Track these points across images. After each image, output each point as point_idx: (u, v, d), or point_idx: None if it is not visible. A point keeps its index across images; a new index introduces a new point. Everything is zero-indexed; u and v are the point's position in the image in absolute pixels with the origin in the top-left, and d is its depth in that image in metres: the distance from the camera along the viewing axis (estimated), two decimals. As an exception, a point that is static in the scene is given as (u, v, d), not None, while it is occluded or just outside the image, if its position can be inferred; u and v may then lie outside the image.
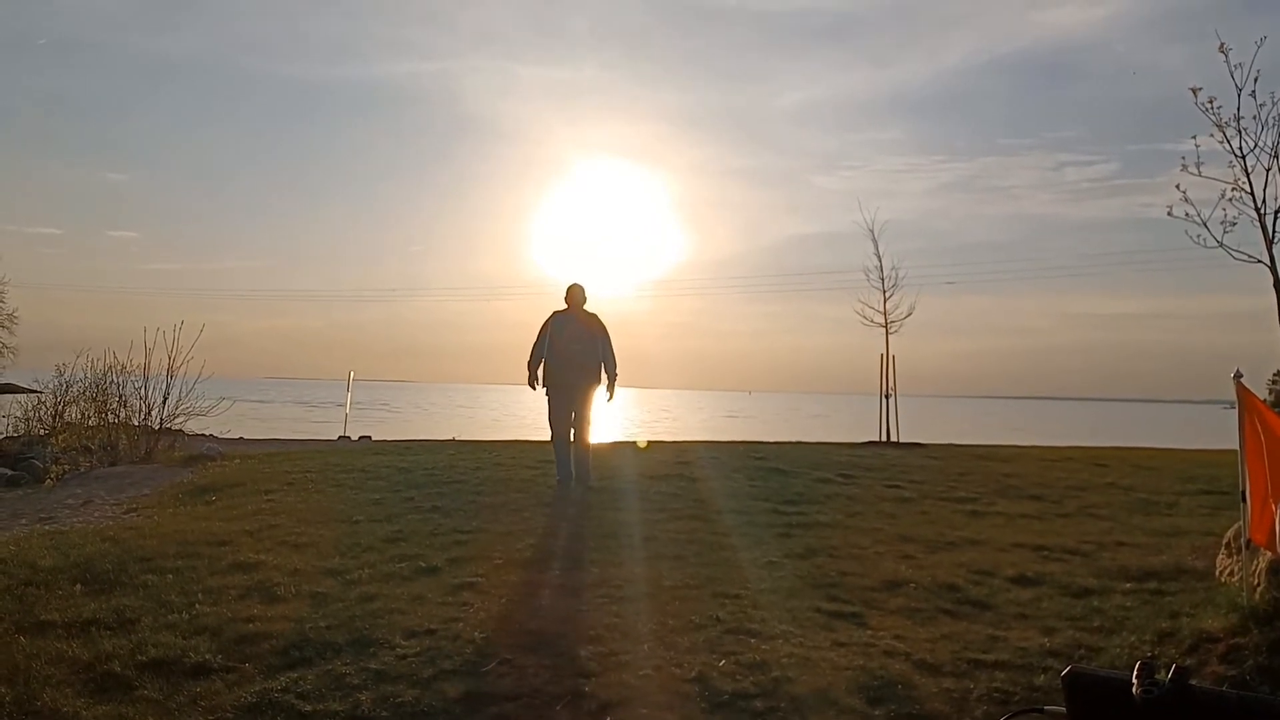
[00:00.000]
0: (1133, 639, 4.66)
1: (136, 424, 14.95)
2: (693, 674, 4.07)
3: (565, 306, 9.67)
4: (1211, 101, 6.64)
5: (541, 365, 9.50)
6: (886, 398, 18.37)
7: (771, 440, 16.93)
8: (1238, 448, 4.95)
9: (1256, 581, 4.98)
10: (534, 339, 9.63)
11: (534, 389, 9.56)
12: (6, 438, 17.23)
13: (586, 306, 9.73)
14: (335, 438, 20.17)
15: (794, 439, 18.26)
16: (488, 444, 14.18)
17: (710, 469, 10.86)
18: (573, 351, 9.43)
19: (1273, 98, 6.62)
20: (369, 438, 20.14)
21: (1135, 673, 3.14)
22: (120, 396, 15.20)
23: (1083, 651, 4.48)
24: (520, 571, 5.76)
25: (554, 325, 9.58)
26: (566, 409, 9.41)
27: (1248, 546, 5.04)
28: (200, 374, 14.85)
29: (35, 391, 19.37)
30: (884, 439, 17.45)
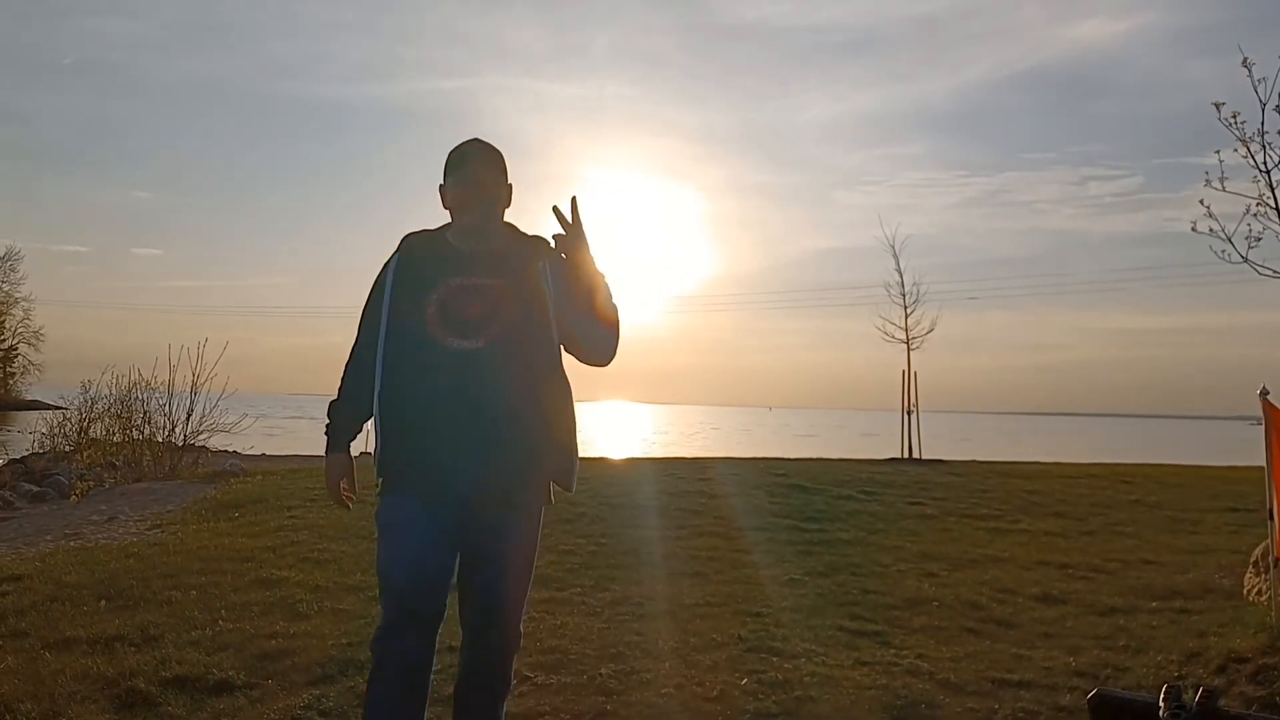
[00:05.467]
0: (1159, 658, 4.61)
1: (161, 440, 15.09)
2: (715, 692, 4.06)
3: (450, 221, 2.93)
4: (1235, 116, 6.58)
5: (375, 417, 2.89)
6: (908, 414, 18.30)
7: (792, 457, 16.88)
8: (1264, 465, 4.90)
9: (1285, 601, 4.92)
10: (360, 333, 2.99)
11: (338, 495, 3.09)
12: (33, 454, 17.43)
13: (508, 214, 2.96)
14: (357, 454, 20.25)
15: (815, 455, 18.21)
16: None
17: (730, 485, 10.83)
18: (470, 369, 2.75)
19: (1297, 113, 6.55)
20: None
21: (1162, 695, 3.12)
22: (145, 413, 15.36)
23: (1109, 671, 4.43)
24: (540, 589, 5.75)
25: (405, 285, 2.86)
26: (443, 557, 2.80)
27: (1276, 565, 4.99)
28: (224, 390, 14.97)
29: (61, 408, 19.60)
30: (906, 455, 17.38)
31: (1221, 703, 3.02)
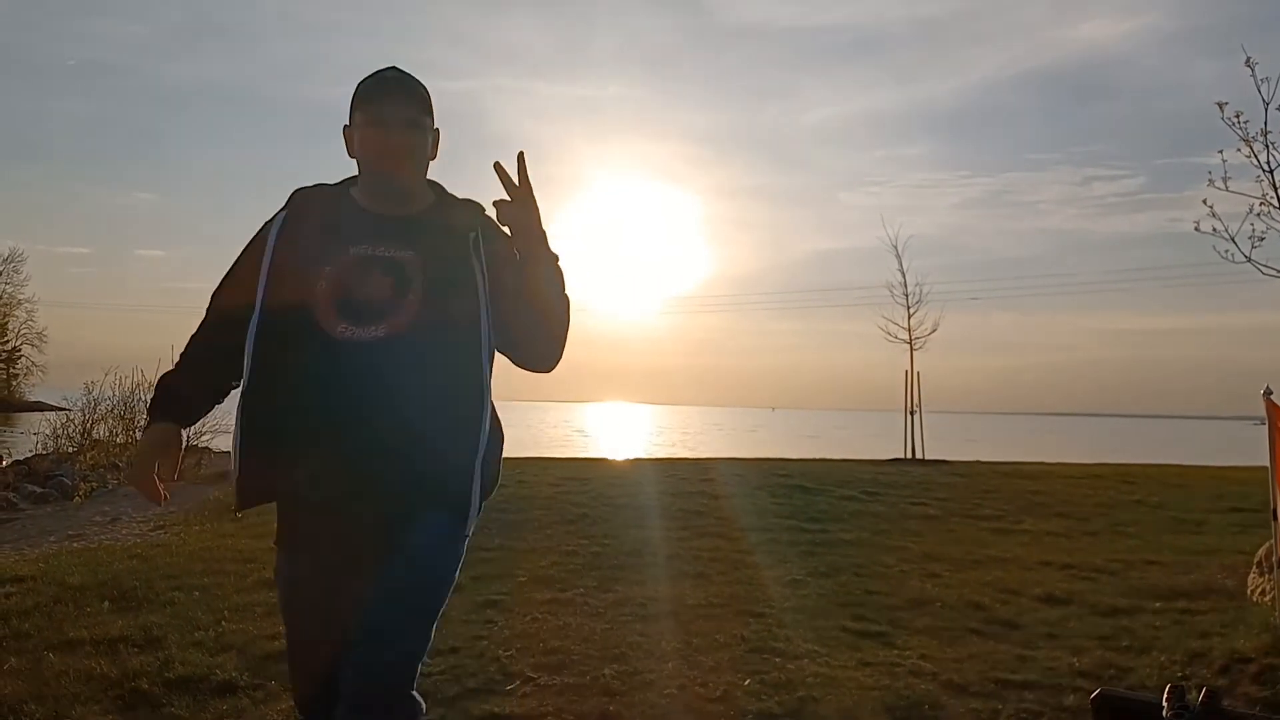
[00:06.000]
0: (1163, 659, 4.60)
1: (164, 442, 15.07)
2: (718, 693, 4.05)
3: (356, 174, 2.31)
4: (1238, 116, 6.61)
5: (236, 427, 2.18)
6: (911, 414, 18.29)
7: (795, 457, 16.88)
8: (1268, 465, 4.89)
9: (1289, 601, 4.92)
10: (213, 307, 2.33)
11: (148, 479, 2.21)
12: (36, 455, 17.43)
13: (433, 174, 2.34)
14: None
15: (818, 456, 18.20)
16: (509, 460, 14.18)
17: (733, 486, 10.84)
18: (364, 366, 2.11)
19: (1300, 112, 6.55)
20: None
21: (1165, 695, 3.12)
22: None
23: (1112, 671, 4.43)
24: (543, 589, 5.75)
25: (289, 254, 2.18)
26: (332, 612, 2.15)
27: (1279, 565, 4.98)
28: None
29: (64, 409, 19.61)
30: (909, 456, 17.37)
31: (1225, 703, 3.02)
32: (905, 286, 19.55)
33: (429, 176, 2.33)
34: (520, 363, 2.33)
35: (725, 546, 7.30)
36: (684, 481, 11.07)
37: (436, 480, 2.14)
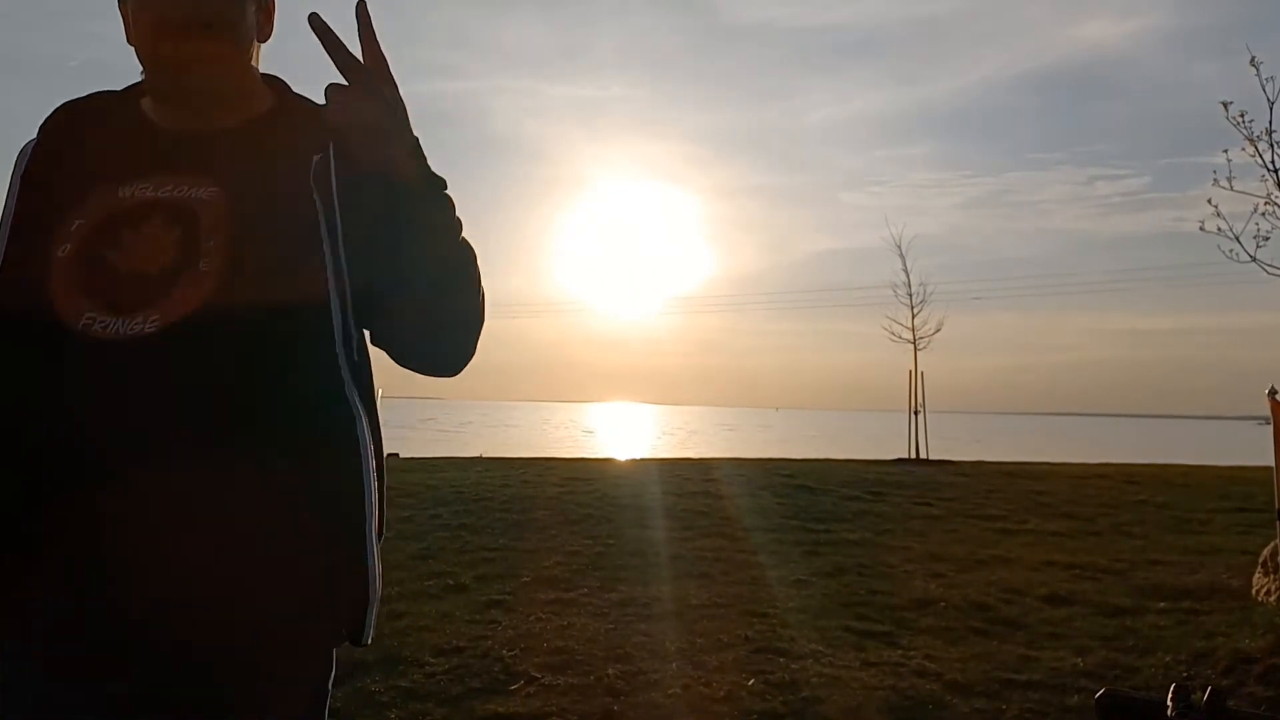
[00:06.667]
0: (1168, 659, 4.60)
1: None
2: (721, 693, 4.06)
3: (139, 81, 1.35)
4: (1243, 115, 6.62)
5: None
6: (915, 414, 18.28)
7: (798, 457, 16.88)
8: (1272, 465, 4.89)
9: (1294, 601, 4.91)
10: None
11: None
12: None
13: (267, 60, 1.38)
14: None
15: (821, 456, 18.19)
16: (514, 461, 14.21)
17: (737, 486, 10.84)
18: (128, 386, 1.13)
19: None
20: (396, 455, 20.19)
21: (1170, 695, 3.12)
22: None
23: (1117, 672, 4.42)
24: (547, 589, 5.76)
25: (33, 202, 1.28)
26: None
27: (1284, 565, 4.97)
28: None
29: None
30: (913, 456, 17.36)
31: (1230, 703, 3.02)
32: (909, 286, 19.56)
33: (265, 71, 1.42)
34: (405, 363, 1.36)
35: (729, 547, 7.30)
36: (687, 482, 11.08)
37: (290, 604, 1.21)
